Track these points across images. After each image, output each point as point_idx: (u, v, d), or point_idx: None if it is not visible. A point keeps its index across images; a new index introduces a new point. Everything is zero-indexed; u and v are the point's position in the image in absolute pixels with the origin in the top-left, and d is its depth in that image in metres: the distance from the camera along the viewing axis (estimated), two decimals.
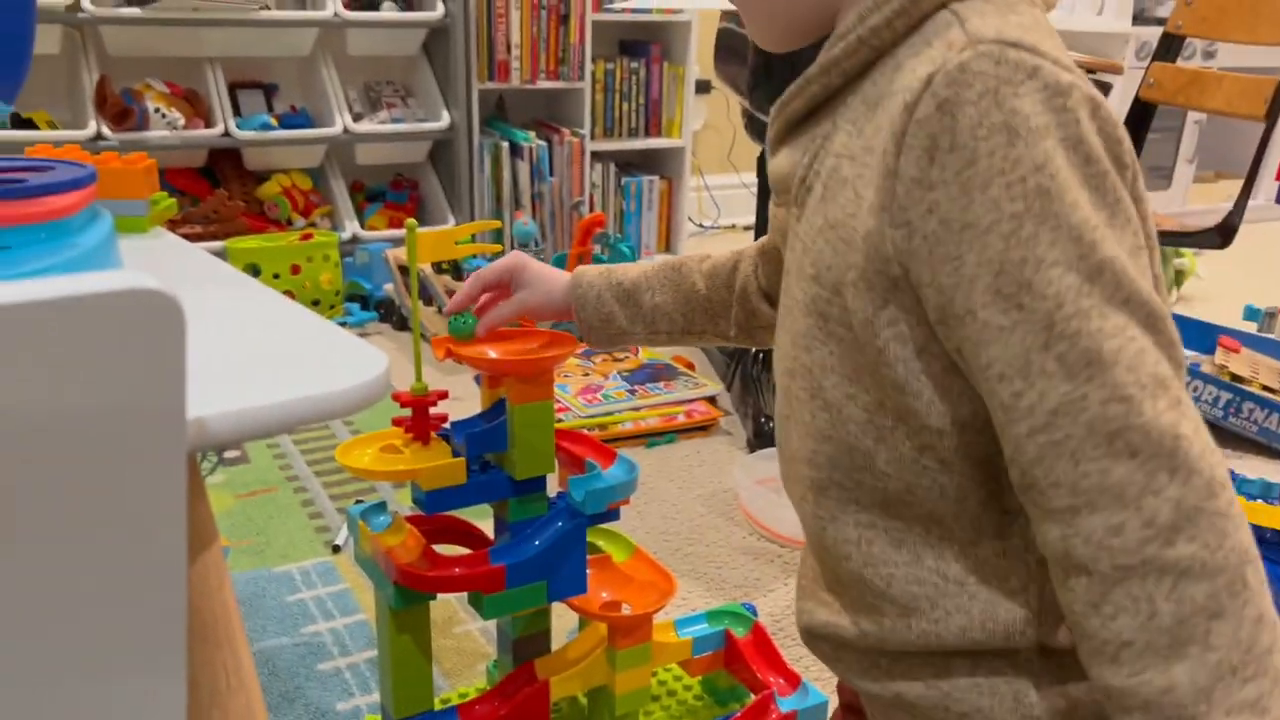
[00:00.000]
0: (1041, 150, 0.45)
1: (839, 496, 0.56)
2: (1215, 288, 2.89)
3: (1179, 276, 2.80)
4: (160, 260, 0.75)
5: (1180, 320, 2.27)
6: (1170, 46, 1.95)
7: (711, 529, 1.55)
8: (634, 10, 2.91)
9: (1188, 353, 2.16)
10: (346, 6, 2.61)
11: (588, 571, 0.92)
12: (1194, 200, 3.76)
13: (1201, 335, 2.15)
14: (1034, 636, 0.54)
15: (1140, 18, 3.46)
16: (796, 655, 1.24)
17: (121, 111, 2.39)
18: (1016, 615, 0.53)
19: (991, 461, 0.52)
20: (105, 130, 2.37)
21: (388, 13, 2.70)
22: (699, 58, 3.02)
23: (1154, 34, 1.98)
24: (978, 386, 0.49)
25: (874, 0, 0.52)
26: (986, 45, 0.46)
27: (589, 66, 2.88)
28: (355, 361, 0.50)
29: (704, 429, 1.90)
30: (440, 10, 2.69)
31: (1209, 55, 3.48)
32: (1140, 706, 0.45)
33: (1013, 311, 0.45)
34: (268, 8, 2.49)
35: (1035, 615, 0.53)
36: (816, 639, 0.63)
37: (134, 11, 2.37)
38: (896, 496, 0.54)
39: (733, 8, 1.77)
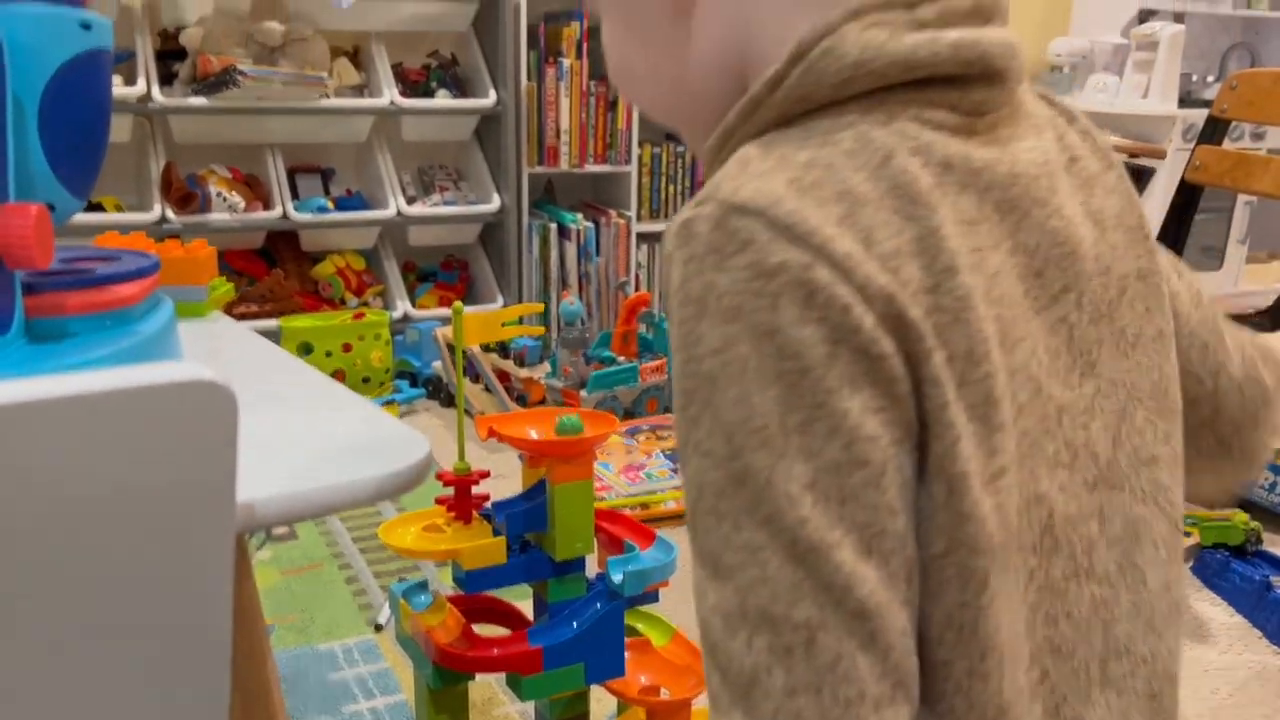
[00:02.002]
0: (722, 334, 0.40)
1: None
2: None
3: None
4: (217, 345, 0.78)
5: None
6: (1215, 129, 1.95)
7: None
8: None
9: None
10: (402, 94, 2.71)
11: (626, 654, 0.92)
12: (1248, 281, 3.71)
13: None
14: None
15: (1187, 100, 3.47)
16: None
17: (185, 195, 2.49)
18: None
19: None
20: (169, 213, 2.47)
21: (442, 100, 2.79)
22: None
23: (1201, 115, 1.98)
24: None
25: (727, 118, 0.47)
26: (712, 206, 0.41)
27: (635, 151, 2.94)
28: (398, 447, 0.52)
29: None
30: (492, 98, 2.78)
31: (1258, 136, 3.47)
32: None
33: (682, 477, 0.42)
34: (327, 96, 2.59)
35: None
36: None
37: (201, 101, 2.48)
38: None
39: None
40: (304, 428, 0.58)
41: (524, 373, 2.34)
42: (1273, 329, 1.71)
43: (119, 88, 2.40)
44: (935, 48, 0.43)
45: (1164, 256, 0.54)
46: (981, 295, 0.42)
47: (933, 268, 0.41)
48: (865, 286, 0.39)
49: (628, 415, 2.32)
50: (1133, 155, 1.86)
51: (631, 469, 1.96)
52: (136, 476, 0.40)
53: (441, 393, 2.47)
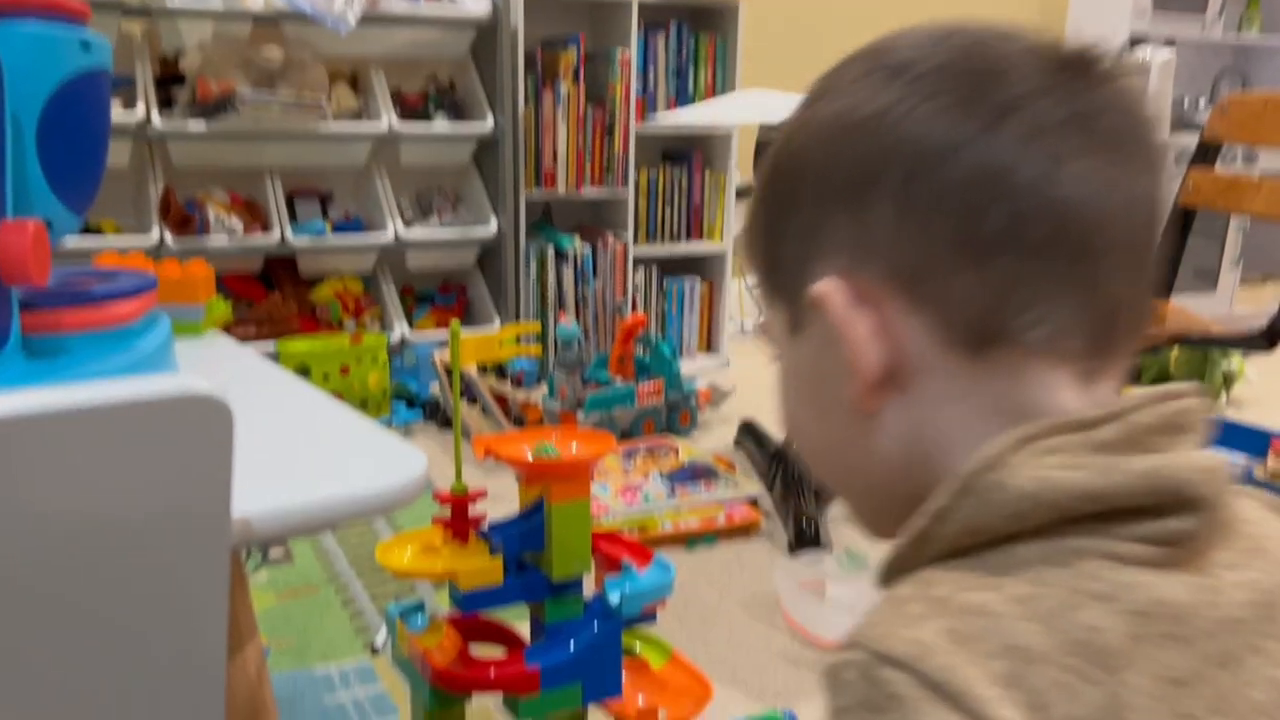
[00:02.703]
0: None
1: None
2: (1267, 391, 2.84)
3: (1228, 380, 2.76)
4: (213, 362, 0.78)
5: (1231, 425, 2.23)
6: (1207, 153, 1.96)
7: (752, 634, 1.53)
8: (676, 124, 3.00)
9: (1238, 458, 2.12)
10: (400, 119, 2.73)
11: (624, 675, 0.92)
12: (1241, 302, 3.73)
13: (1253, 439, 2.11)
14: None
15: (1179, 124, 3.49)
16: None
17: (184, 219, 2.49)
18: None
19: None
20: (167, 237, 2.47)
21: (439, 125, 2.81)
22: (739, 164, 3.09)
23: (1193, 139, 2.00)
24: None
25: (899, 546, 0.42)
26: (861, 653, 0.38)
27: (632, 174, 2.96)
28: (395, 461, 0.52)
29: (745, 531, 1.88)
30: (490, 123, 2.80)
31: (1250, 159, 3.49)
32: None
33: None
34: (326, 121, 2.60)
35: None
36: None
37: (200, 126, 2.49)
38: None
39: (769, 121, 1.82)
40: (301, 443, 0.58)
41: (521, 395, 2.34)
42: (1268, 349, 1.71)
43: (118, 113, 2.41)
44: (1120, 477, 0.38)
45: None
46: None
47: None
48: None
49: (624, 437, 2.32)
50: None
51: (629, 490, 1.96)
52: (131, 490, 0.40)
53: (439, 415, 2.47)
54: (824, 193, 0.44)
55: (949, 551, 0.40)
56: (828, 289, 0.43)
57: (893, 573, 0.42)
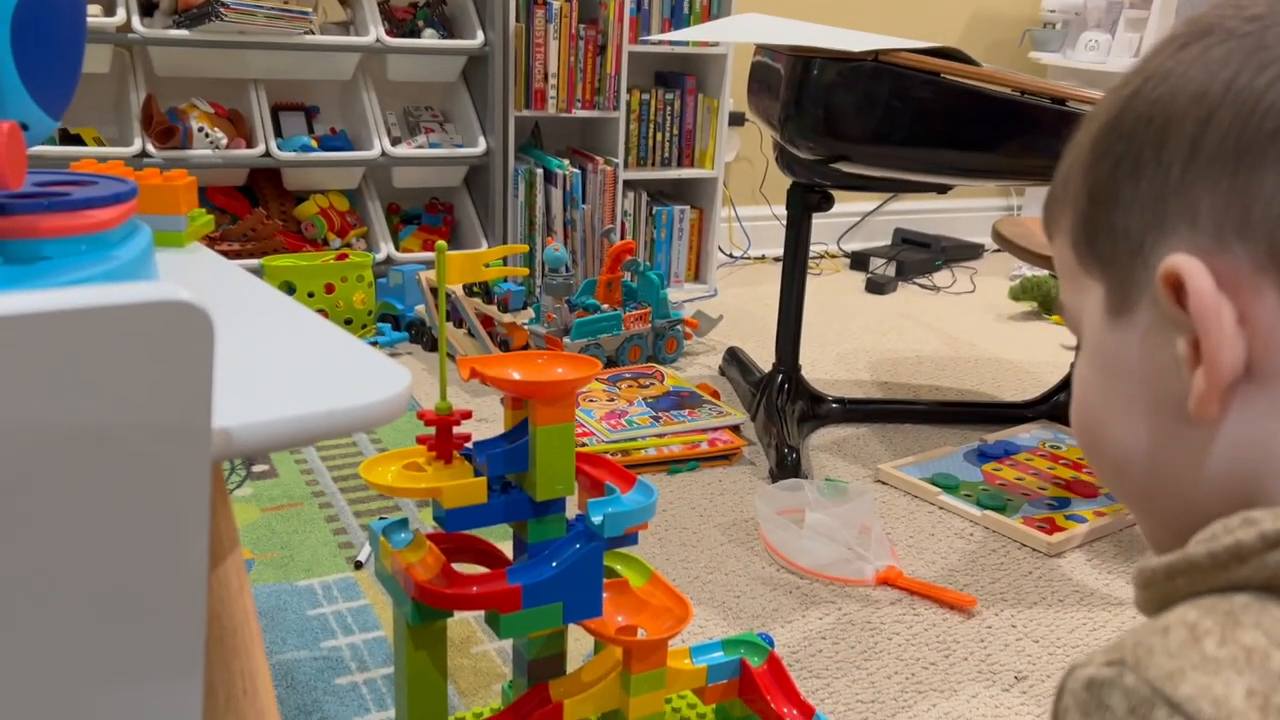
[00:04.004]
0: None
1: None
2: None
3: None
4: (195, 274, 0.77)
5: None
6: None
7: (731, 558, 1.55)
8: (671, 42, 2.95)
9: None
10: (388, 33, 2.66)
11: (604, 595, 0.93)
12: None
13: None
14: None
15: None
16: (811, 687, 1.24)
17: (166, 130, 2.44)
18: None
19: None
20: (150, 148, 2.43)
21: (428, 40, 2.75)
22: (733, 90, 3.04)
23: None
24: None
25: (1193, 552, 0.36)
26: (1135, 680, 0.32)
27: (624, 96, 2.91)
28: (378, 377, 0.51)
29: (727, 458, 1.90)
30: (480, 39, 2.74)
31: None
32: None
33: None
34: (311, 32, 2.54)
35: None
36: None
37: (182, 33, 2.43)
38: None
39: (767, 41, 1.79)
40: (283, 357, 0.57)
41: (507, 318, 2.33)
42: None
43: (98, 18, 2.35)
44: None
45: None
46: None
47: None
48: None
49: (611, 363, 2.32)
50: None
51: (613, 416, 1.96)
52: (107, 401, 0.40)
53: (424, 337, 2.46)
54: (1196, 155, 0.37)
55: (1267, 585, 0.33)
56: (1190, 268, 0.36)
57: (1172, 577, 0.36)
